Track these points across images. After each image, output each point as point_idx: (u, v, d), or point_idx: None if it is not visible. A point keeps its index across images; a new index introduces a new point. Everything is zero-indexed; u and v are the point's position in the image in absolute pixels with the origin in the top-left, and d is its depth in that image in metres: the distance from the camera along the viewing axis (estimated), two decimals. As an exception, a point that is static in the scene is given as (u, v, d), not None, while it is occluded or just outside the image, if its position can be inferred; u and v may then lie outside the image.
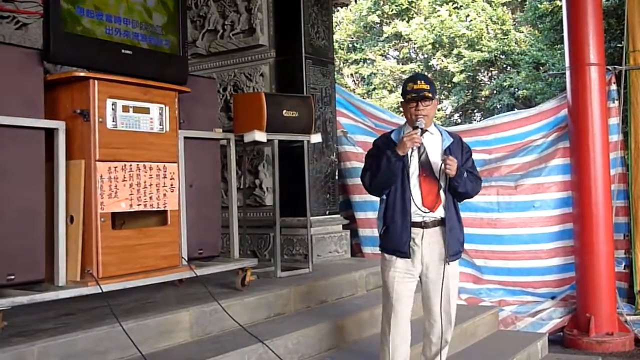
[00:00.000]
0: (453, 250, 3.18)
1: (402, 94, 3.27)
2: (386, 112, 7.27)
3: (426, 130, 3.18)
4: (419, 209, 3.14)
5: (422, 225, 3.16)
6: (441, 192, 3.18)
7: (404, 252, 3.15)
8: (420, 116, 3.14)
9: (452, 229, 3.19)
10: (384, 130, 6.60)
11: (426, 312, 3.29)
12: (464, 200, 3.33)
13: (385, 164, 3.13)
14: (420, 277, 3.23)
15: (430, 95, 3.14)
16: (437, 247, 3.18)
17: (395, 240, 3.17)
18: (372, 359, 3.45)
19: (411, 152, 3.14)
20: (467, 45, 16.22)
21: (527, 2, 13.98)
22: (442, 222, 3.18)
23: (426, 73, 17.87)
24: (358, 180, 6.15)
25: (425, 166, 3.18)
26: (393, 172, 3.13)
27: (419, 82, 3.18)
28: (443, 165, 3.10)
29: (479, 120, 14.72)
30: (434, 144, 3.24)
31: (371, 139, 6.39)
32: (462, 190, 3.18)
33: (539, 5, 13.03)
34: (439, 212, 3.18)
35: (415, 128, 3.11)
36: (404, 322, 3.21)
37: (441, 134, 3.29)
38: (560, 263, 6.19)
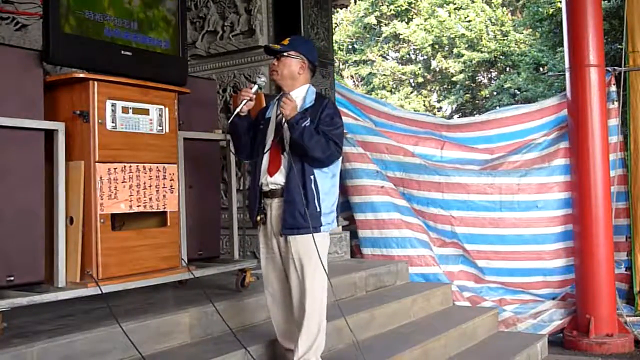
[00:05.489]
0: (287, 224, 3.01)
1: None
2: (387, 104, 7.25)
3: (287, 94, 3.11)
4: (261, 178, 3.11)
5: (269, 194, 3.10)
6: (283, 155, 3.06)
7: (254, 221, 3.17)
8: (272, 70, 3.15)
9: (288, 200, 3.00)
10: (384, 129, 6.61)
11: None
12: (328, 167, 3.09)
13: (228, 124, 3.21)
14: (279, 251, 3.14)
15: (275, 47, 3.12)
16: (281, 220, 3.07)
17: (250, 210, 3.21)
18: (372, 360, 3.46)
19: (272, 120, 3.15)
20: (467, 46, 16.24)
21: (527, 8, 14.00)
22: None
23: (426, 74, 17.92)
24: (358, 182, 6.22)
25: (278, 130, 3.12)
26: (232, 129, 3.19)
27: (286, 39, 3.16)
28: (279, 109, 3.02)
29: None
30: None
31: (372, 138, 6.46)
32: (296, 138, 2.94)
33: (540, 9, 13.05)
34: (279, 179, 3.06)
35: (254, 84, 3.16)
36: (277, 297, 3.20)
37: (305, 99, 3.15)
38: (563, 264, 6.19)
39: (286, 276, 3.15)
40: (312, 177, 3.02)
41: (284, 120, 3.02)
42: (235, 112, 3.13)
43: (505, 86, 14.72)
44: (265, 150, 3.14)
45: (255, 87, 3.14)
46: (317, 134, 2.98)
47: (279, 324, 3.26)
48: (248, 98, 3.12)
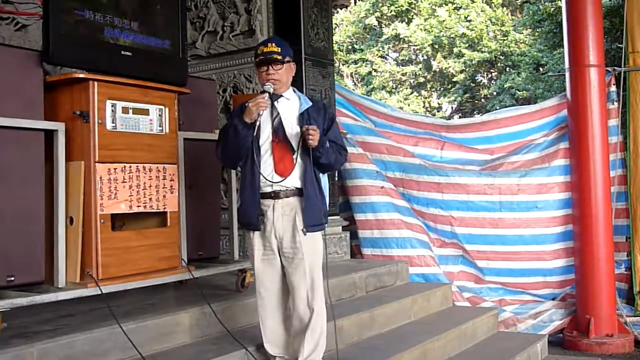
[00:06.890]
0: (310, 221, 3.01)
1: (254, 58, 3.17)
2: (386, 105, 7.26)
3: (280, 96, 3.11)
4: (267, 179, 3.02)
5: (272, 195, 3.04)
6: (296, 158, 3.04)
7: (254, 224, 3.07)
8: (271, 80, 3.05)
9: (309, 197, 3.01)
10: (383, 129, 6.61)
11: (290, 291, 3.12)
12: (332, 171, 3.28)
13: (232, 132, 3.03)
14: (279, 252, 3.10)
15: (280, 57, 3.04)
16: (291, 219, 3.04)
17: (247, 213, 3.09)
18: (372, 361, 3.46)
19: (265, 120, 3.05)
20: (467, 46, 16.25)
21: (526, 7, 14.01)
22: (298, 192, 3.04)
23: (426, 74, 17.90)
24: (358, 182, 6.22)
25: (279, 131, 3.06)
26: (240, 141, 3.01)
27: (269, 44, 3.07)
28: (304, 134, 2.95)
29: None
30: (289, 108, 3.13)
31: (371, 139, 6.46)
32: (324, 162, 3.04)
33: (540, 7, 13.05)
34: (293, 181, 3.04)
35: (263, 92, 3.04)
36: (270, 300, 3.15)
37: (299, 99, 3.16)
38: (563, 265, 6.19)
39: (283, 277, 3.13)
40: (320, 175, 3.13)
41: (310, 149, 2.98)
42: (258, 125, 3.00)
43: (506, 86, 14.73)
44: (263, 152, 3.06)
45: (267, 95, 3.04)
46: (334, 150, 3.10)
47: (271, 328, 3.19)
48: (266, 106, 3.01)
